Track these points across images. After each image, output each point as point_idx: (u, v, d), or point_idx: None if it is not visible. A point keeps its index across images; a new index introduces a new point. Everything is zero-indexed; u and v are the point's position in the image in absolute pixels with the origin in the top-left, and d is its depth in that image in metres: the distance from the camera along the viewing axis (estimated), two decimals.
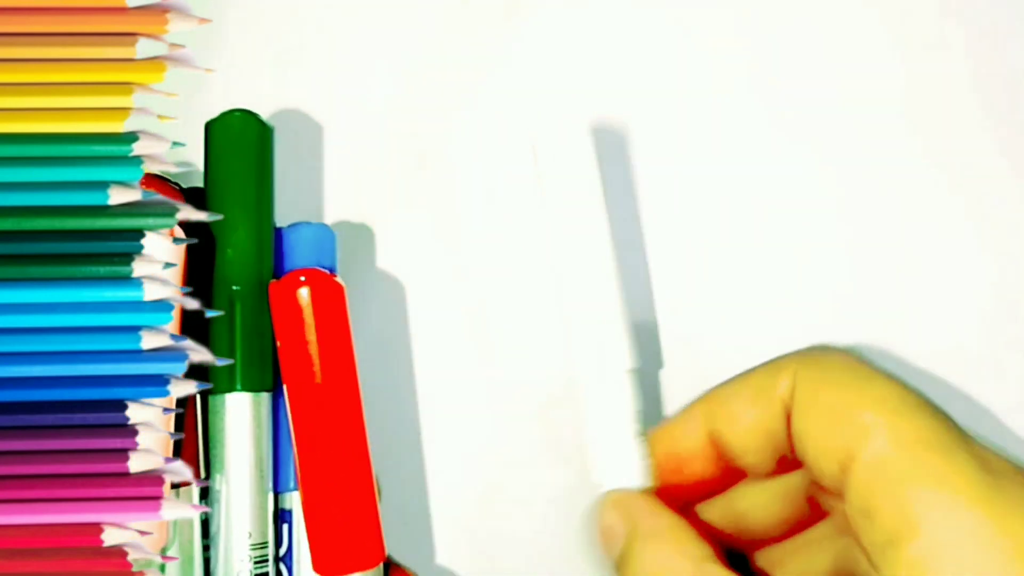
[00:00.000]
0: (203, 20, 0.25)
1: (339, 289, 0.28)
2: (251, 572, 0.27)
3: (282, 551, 0.28)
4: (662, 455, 0.29)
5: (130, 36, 0.25)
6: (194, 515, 0.26)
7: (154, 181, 0.26)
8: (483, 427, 0.33)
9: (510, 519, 0.33)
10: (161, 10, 0.25)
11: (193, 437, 0.28)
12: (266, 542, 0.28)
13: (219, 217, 0.27)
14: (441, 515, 0.33)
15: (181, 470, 0.26)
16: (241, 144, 0.28)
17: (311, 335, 0.27)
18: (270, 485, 0.28)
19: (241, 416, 0.28)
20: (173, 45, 0.25)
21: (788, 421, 0.27)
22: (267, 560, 0.28)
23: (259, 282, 0.28)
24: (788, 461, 0.28)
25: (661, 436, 0.29)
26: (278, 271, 0.29)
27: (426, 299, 0.33)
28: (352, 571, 0.28)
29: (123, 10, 0.25)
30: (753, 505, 0.29)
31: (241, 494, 0.27)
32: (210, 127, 0.28)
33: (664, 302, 0.34)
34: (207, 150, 0.28)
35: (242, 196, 0.28)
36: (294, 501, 0.28)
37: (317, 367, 0.27)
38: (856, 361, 0.27)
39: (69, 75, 0.25)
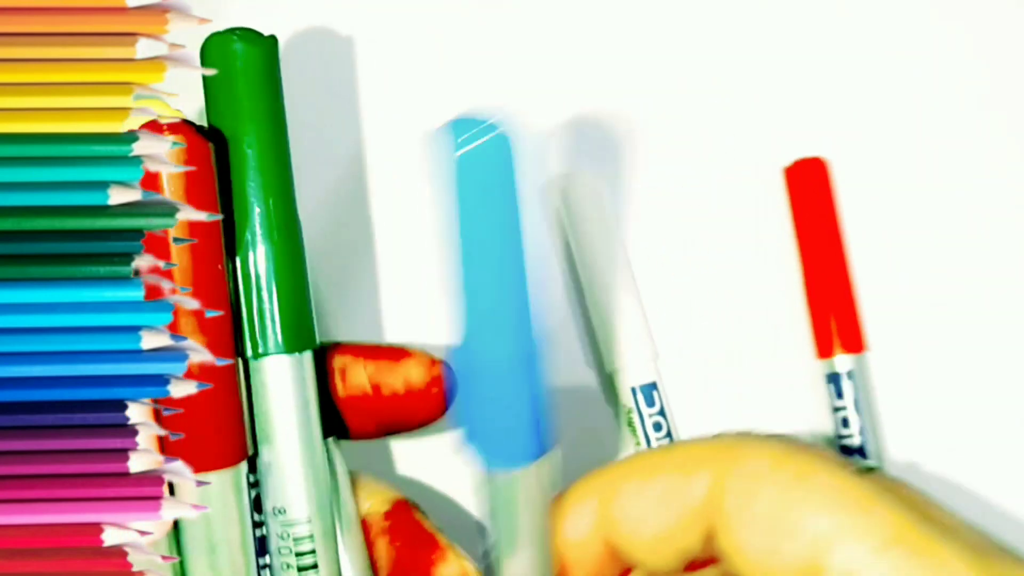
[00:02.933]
0: (203, 20, 0.25)
1: None
2: (296, 550, 0.27)
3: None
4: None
5: (130, 36, 0.25)
6: (195, 515, 0.26)
7: (183, 127, 0.26)
8: None
9: None
10: (161, 10, 0.25)
11: (238, 407, 0.27)
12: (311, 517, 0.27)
13: (219, 217, 0.27)
14: None
15: (181, 470, 0.26)
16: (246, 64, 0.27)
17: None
18: (321, 454, 0.28)
19: (283, 381, 0.27)
20: (173, 45, 0.25)
21: (706, 529, 0.24)
22: (311, 537, 0.27)
23: (291, 233, 0.27)
24: (698, 563, 0.25)
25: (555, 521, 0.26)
26: None
27: None
28: None
29: (123, 10, 0.25)
30: None
31: (292, 465, 0.27)
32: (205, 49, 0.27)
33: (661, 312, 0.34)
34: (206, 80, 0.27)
35: (257, 126, 0.27)
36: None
37: None
38: (783, 452, 0.24)
39: (69, 75, 0.25)
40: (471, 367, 0.25)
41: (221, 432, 0.27)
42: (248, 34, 0.27)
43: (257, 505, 0.28)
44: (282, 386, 0.27)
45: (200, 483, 0.26)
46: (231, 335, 0.27)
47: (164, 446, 0.26)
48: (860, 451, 0.34)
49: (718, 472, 0.24)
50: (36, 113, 0.25)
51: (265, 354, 0.27)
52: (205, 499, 0.26)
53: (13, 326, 0.25)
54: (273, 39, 0.27)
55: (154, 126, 0.26)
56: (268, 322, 0.27)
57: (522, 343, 0.25)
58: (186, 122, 0.26)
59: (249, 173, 0.27)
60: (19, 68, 0.25)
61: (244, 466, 0.27)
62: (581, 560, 0.26)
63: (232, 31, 0.27)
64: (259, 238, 0.27)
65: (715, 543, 0.24)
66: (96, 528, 0.25)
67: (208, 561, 0.27)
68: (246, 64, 0.27)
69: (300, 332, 0.27)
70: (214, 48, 0.27)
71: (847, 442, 0.34)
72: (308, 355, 0.27)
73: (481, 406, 0.25)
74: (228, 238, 0.27)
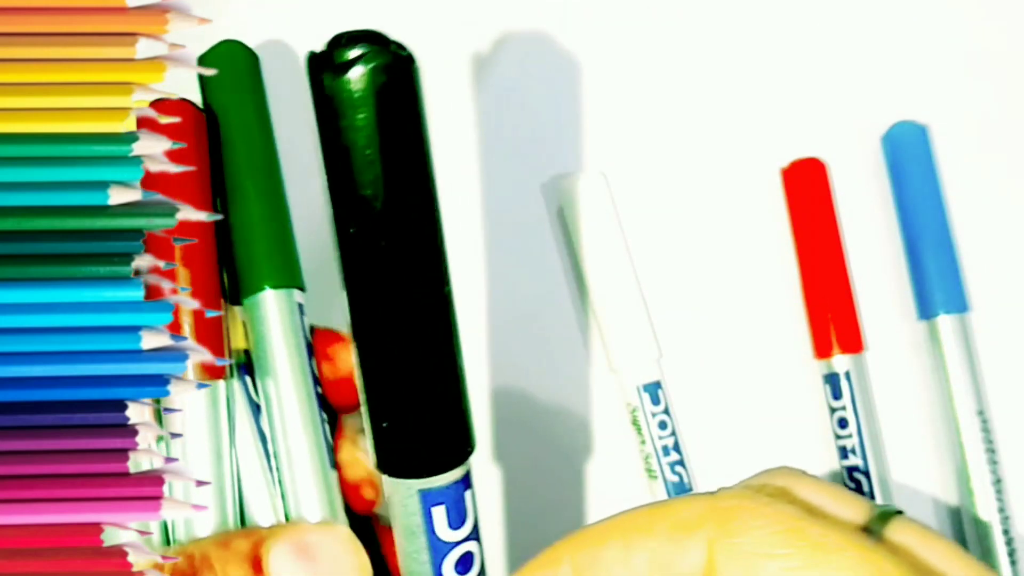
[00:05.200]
0: (203, 20, 0.25)
1: None
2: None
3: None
4: None
5: (130, 36, 0.25)
6: (194, 515, 0.26)
7: (184, 105, 0.27)
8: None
9: None
10: (161, 10, 0.25)
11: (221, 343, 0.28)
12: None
13: (219, 217, 0.27)
14: None
15: (181, 470, 0.26)
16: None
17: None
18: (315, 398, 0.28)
19: (276, 316, 0.28)
20: (173, 45, 0.25)
21: None
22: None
23: (270, 172, 0.29)
24: None
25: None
26: None
27: None
28: None
29: (123, 10, 0.25)
30: None
31: (292, 403, 0.28)
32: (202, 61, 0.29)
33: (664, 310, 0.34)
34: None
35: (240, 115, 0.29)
36: None
37: None
38: (790, 519, 0.21)
39: (69, 75, 0.25)
40: None
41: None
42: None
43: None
44: (276, 319, 0.28)
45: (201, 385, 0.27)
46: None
47: None
48: (858, 451, 0.34)
49: (715, 541, 0.21)
50: (36, 113, 0.25)
51: (259, 290, 0.28)
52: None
53: (13, 326, 0.25)
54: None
55: (155, 106, 0.26)
56: (259, 261, 0.29)
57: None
58: (184, 100, 0.28)
59: (235, 133, 0.29)
60: (19, 68, 0.25)
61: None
62: None
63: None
64: (247, 187, 0.29)
65: None
66: (96, 528, 0.25)
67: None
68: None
69: (288, 270, 0.29)
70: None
71: (844, 443, 0.34)
72: (296, 291, 0.29)
73: None
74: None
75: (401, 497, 0.23)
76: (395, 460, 0.22)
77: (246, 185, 0.29)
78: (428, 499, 0.23)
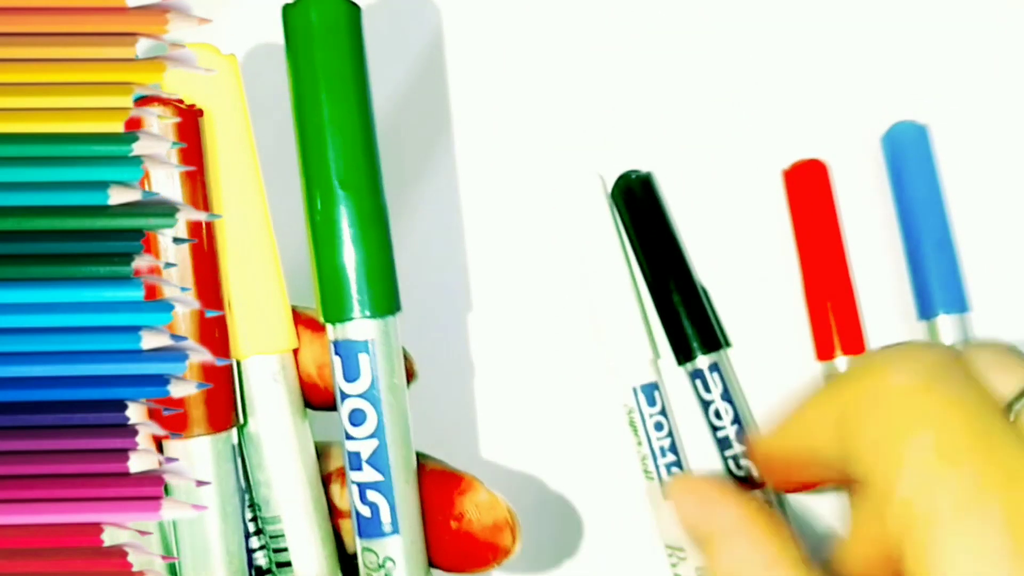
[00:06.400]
0: (203, 20, 0.25)
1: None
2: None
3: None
4: (777, 457, 0.27)
5: (130, 36, 0.25)
6: (194, 515, 0.26)
7: (184, 107, 0.26)
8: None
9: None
10: (161, 10, 0.25)
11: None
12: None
13: (219, 217, 0.27)
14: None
15: (182, 470, 0.26)
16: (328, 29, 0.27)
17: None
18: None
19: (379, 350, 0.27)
20: (173, 45, 0.25)
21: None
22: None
23: (370, 181, 0.27)
24: None
25: (784, 432, 0.27)
26: None
27: None
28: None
29: (123, 10, 0.25)
30: None
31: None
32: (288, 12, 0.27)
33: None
34: (287, 39, 0.27)
35: (338, 84, 0.27)
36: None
37: None
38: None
39: (69, 75, 0.25)
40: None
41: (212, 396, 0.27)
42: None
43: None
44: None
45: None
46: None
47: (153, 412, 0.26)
48: None
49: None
50: (36, 113, 0.25)
51: (348, 318, 0.27)
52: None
53: (13, 326, 0.25)
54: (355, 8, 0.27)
55: (150, 101, 0.26)
56: (351, 282, 0.27)
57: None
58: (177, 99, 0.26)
59: (328, 128, 0.27)
60: (19, 68, 0.25)
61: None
62: (811, 462, 0.26)
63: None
64: (338, 191, 0.27)
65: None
66: (96, 528, 0.25)
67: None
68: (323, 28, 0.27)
69: (387, 293, 0.27)
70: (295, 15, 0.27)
71: None
72: (395, 319, 0.27)
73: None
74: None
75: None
76: None
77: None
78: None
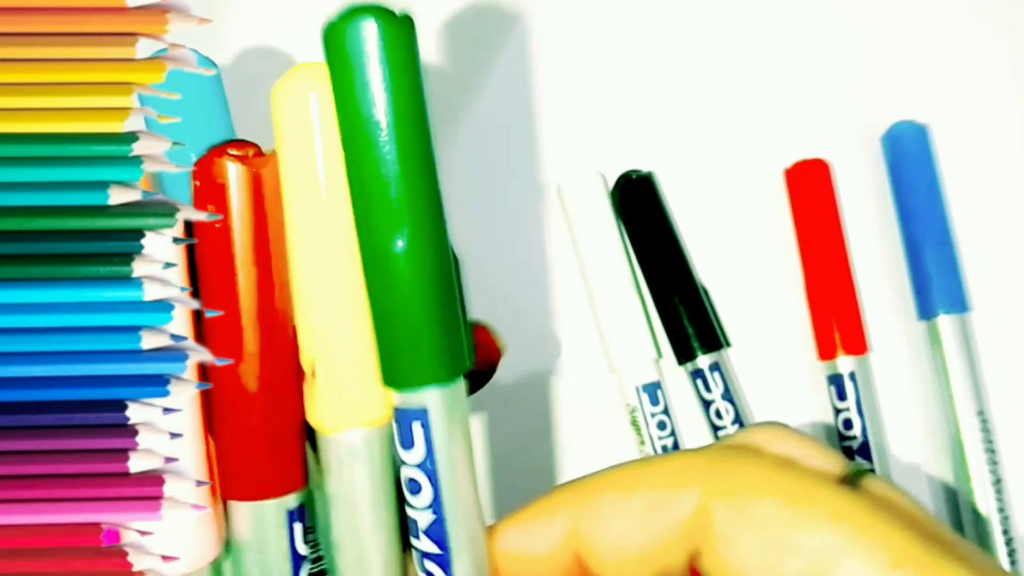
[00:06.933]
0: (203, 20, 0.25)
1: None
2: None
3: None
4: (509, 562, 0.24)
5: (130, 36, 0.25)
6: (195, 515, 0.26)
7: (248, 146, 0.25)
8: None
9: None
10: (161, 10, 0.25)
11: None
12: None
13: (219, 217, 0.27)
14: None
15: (182, 470, 0.26)
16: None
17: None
18: None
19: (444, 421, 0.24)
20: (173, 45, 0.25)
21: (691, 548, 0.23)
22: None
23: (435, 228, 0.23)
24: None
25: (509, 538, 0.24)
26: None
27: None
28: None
29: (123, 10, 0.25)
30: None
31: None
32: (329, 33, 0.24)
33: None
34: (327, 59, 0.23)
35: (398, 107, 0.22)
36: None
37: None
38: (776, 466, 0.22)
39: (69, 75, 0.25)
40: None
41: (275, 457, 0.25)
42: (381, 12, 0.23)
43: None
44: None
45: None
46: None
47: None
48: (864, 451, 0.34)
49: (708, 486, 0.22)
50: (36, 113, 0.25)
51: (399, 387, 0.24)
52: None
53: (13, 326, 0.25)
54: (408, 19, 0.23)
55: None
56: (404, 347, 0.24)
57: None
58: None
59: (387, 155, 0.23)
60: (19, 68, 0.25)
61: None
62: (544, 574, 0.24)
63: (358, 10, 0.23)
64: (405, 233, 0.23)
65: (701, 563, 0.23)
66: (96, 528, 0.25)
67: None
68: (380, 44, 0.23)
69: (449, 356, 0.24)
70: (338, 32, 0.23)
71: (850, 443, 0.34)
72: (460, 385, 0.24)
73: None
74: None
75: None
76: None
77: None
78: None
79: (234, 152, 0.24)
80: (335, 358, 0.24)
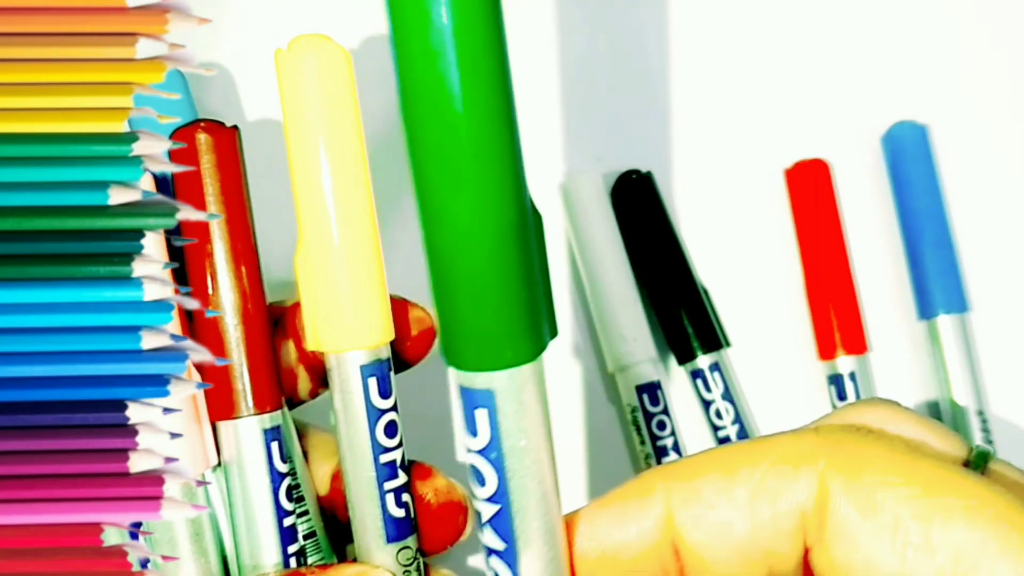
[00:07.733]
0: (203, 20, 0.25)
1: None
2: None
3: None
4: (594, 551, 0.22)
5: (130, 36, 0.25)
6: (195, 515, 0.26)
7: (212, 125, 0.27)
8: None
9: None
10: (161, 10, 0.25)
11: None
12: None
13: (219, 217, 0.27)
14: None
15: (181, 470, 0.26)
16: None
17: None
18: None
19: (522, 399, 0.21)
20: (173, 45, 0.25)
21: (805, 539, 0.20)
22: None
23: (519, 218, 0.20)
24: None
25: (597, 528, 0.22)
26: None
27: None
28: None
29: (123, 10, 0.25)
30: None
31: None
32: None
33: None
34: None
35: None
36: None
37: None
38: (904, 451, 0.20)
39: (69, 75, 0.25)
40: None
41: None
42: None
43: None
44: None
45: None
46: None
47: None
48: None
49: (827, 470, 0.20)
50: (36, 113, 0.25)
51: (461, 367, 0.21)
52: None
53: (13, 326, 0.25)
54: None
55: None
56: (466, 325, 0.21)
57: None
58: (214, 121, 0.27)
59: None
60: (19, 68, 0.25)
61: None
62: (636, 566, 0.21)
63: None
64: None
65: (814, 558, 0.20)
66: (96, 528, 0.25)
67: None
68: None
69: (524, 334, 0.21)
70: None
71: None
72: (535, 365, 0.21)
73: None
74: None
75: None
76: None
77: None
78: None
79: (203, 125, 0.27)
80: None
